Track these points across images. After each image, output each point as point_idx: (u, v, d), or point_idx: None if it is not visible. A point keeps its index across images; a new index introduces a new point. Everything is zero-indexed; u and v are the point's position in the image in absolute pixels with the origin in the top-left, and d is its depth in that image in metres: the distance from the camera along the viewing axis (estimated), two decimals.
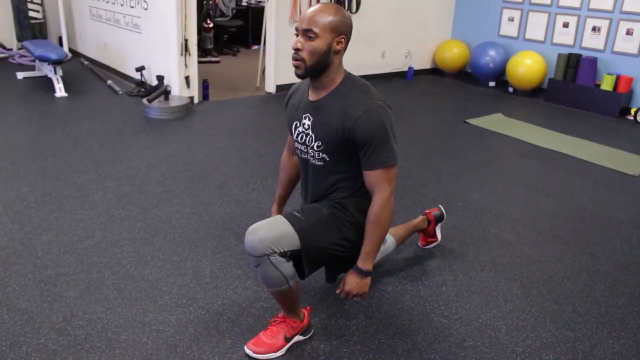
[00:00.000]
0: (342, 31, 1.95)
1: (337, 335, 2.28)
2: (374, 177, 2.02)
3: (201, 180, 3.76)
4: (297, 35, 1.96)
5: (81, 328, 2.23)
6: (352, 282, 2.09)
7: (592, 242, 3.22)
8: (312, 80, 2.06)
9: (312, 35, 1.91)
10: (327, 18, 1.92)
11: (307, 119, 2.10)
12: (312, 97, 2.10)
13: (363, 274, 2.09)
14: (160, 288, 2.53)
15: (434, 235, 3.01)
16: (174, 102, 5.30)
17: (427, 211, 2.99)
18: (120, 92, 5.92)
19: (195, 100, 5.74)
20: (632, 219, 3.56)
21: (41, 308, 2.34)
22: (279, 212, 2.49)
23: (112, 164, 3.94)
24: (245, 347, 2.15)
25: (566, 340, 2.34)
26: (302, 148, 2.16)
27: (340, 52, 1.99)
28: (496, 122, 5.68)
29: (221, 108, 5.66)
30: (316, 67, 1.96)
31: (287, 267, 2.00)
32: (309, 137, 2.11)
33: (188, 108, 5.37)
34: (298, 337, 2.22)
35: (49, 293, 2.44)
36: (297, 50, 1.94)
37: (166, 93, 5.31)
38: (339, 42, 1.96)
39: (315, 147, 2.10)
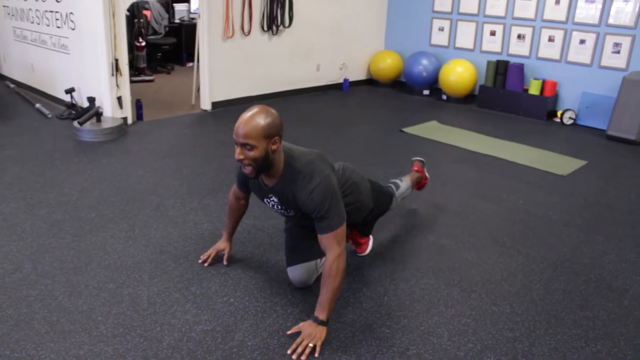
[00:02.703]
0: (274, 134, 2.21)
1: (279, 353, 2.25)
2: (324, 240, 2.32)
3: (136, 202, 3.65)
4: (237, 146, 2.22)
5: None
6: (306, 329, 2.29)
7: (527, 243, 3.32)
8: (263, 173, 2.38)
9: (249, 147, 2.18)
10: (258, 128, 2.16)
11: (272, 198, 2.49)
12: (266, 182, 2.44)
13: (318, 322, 2.30)
14: (95, 318, 2.43)
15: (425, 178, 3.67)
16: (106, 124, 5.15)
17: (414, 168, 3.61)
18: (49, 116, 5.70)
19: (129, 121, 5.60)
20: (563, 217, 3.70)
21: None
22: (229, 239, 2.94)
23: (42, 191, 3.78)
24: None
25: (506, 340, 2.40)
26: (281, 211, 2.58)
27: (277, 149, 2.27)
28: (431, 130, 5.80)
29: (156, 128, 5.54)
30: (262, 167, 2.28)
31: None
32: (281, 208, 2.52)
33: (121, 129, 5.23)
34: None
35: None
36: (241, 160, 2.22)
37: (98, 115, 5.16)
38: (274, 143, 2.23)
39: (290, 212, 2.53)
